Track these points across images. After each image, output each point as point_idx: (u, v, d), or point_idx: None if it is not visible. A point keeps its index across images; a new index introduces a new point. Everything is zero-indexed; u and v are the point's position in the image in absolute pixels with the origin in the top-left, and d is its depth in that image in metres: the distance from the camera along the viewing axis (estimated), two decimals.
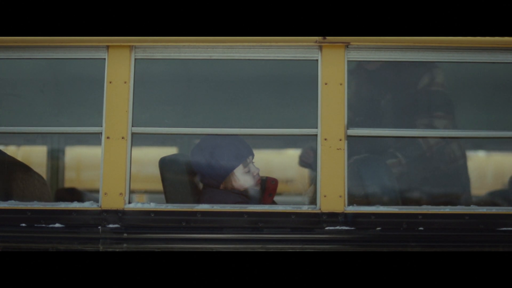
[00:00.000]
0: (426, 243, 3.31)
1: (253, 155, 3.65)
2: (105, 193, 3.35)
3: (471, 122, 4.63)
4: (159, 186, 3.68)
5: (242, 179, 3.61)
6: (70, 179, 6.49)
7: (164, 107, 4.71)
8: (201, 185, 3.68)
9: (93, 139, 3.56)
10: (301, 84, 3.71)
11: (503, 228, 3.33)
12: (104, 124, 3.39)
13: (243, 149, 3.62)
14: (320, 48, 3.40)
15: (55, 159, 6.14)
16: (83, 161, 6.59)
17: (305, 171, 4.60)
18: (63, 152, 6.25)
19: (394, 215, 3.35)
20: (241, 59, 3.47)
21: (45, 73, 4.75)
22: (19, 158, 4.84)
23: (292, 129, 3.58)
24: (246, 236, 3.32)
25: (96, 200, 3.40)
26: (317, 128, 3.37)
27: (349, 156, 3.42)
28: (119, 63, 3.41)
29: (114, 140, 3.38)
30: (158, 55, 3.46)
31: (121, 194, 3.35)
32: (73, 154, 6.51)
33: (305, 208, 3.35)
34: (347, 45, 3.40)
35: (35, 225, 3.35)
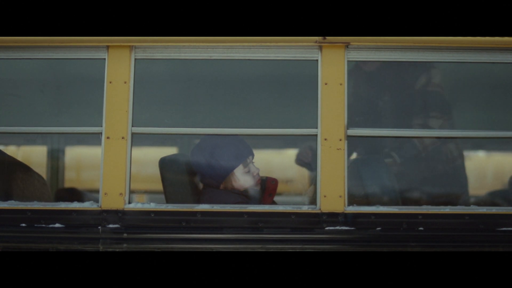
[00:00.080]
0: (426, 243, 3.31)
1: (253, 155, 3.65)
2: (105, 193, 3.35)
3: (471, 122, 4.63)
4: (159, 186, 3.68)
5: (242, 179, 3.61)
6: (70, 179, 6.49)
7: (164, 107, 4.71)
8: (201, 185, 3.68)
9: (93, 139, 3.56)
10: (301, 84, 3.71)
11: (503, 228, 3.33)
12: (104, 124, 3.39)
13: (243, 149, 3.62)
14: (320, 48, 3.40)
15: (55, 159, 6.14)
16: (83, 161, 6.59)
17: (305, 171, 4.60)
18: (63, 152, 6.26)
19: (394, 215, 3.35)
20: (241, 59, 3.47)
21: (45, 73, 4.75)
22: (19, 158, 4.84)
23: (292, 129, 3.58)
24: (246, 236, 3.32)
25: (96, 200, 3.40)
26: (317, 128, 3.37)
27: (349, 156, 3.42)
28: (119, 63, 3.41)
29: (114, 140, 3.38)
30: (158, 55, 3.46)
31: (121, 194, 3.35)
32: (73, 154, 6.51)
33: (305, 208, 3.35)
34: (347, 45, 3.40)
35: (35, 225, 3.35)
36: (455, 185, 4.32)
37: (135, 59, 3.43)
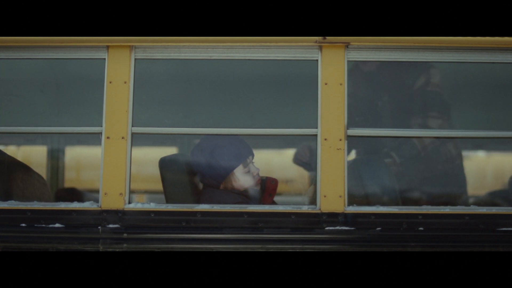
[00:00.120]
0: (426, 243, 3.31)
1: (253, 155, 3.65)
2: (105, 193, 3.35)
3: (471, 122, 4.63)
4: (159, 186, 3.68)
5: (242, 179, 3.61)
6: (70, 179, 6.49)
7: (164, 107, 4.71)
8: (201, 185, 3.68)
9: (93, 139, 3.56)
10: (301, 84, 3.71)
11: (503, 228, 3.33)
12: (104, 124, 3.39)
13: (243, 149, 3.62)
14: (320, 48, 3.40)
15: (55, 159, 6.14)
16: (83, 161, 6.59)
17: (305, 171, 4.59)
18: (63, 152, 6.25)
19: (394, 215, 3.35)
20: (241, 59, 3.47)
21: (45, 73, 4.75)
22: (19, 158, 4.84)
23: (292, 129, 3.58)
24: (246, 236, 3.32)
25: (96, 200, 3.40)
26: (317, 128, 3.37)
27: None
28: (119, 63, 3.41)
29: (114, 140, 3.38)
30: (158, 55, 3.46)
31: (121, 194, 3.35)
32: (73, 154, 6.51)
33: (305, 208, 3.35)
34: (347, 45, 3.40)
35: (35, 225, 3.35)
36: (454, 185, 4.33)
37: (135, 59, 3.43)
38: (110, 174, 3.36)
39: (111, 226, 3.34)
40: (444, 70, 4.24)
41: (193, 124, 3.97)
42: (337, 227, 3.32)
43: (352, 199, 3.40)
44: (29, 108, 4.88)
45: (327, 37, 3.38)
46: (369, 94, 4.25)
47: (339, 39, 3.39)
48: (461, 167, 4.34)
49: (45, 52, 3.47)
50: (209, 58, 3.46)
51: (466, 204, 4.20)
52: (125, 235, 3.33)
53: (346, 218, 3.32)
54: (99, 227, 3.34)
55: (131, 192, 3.40)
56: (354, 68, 4.20)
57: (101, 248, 3.32)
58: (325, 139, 3.36)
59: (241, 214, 3.34)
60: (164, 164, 3.66)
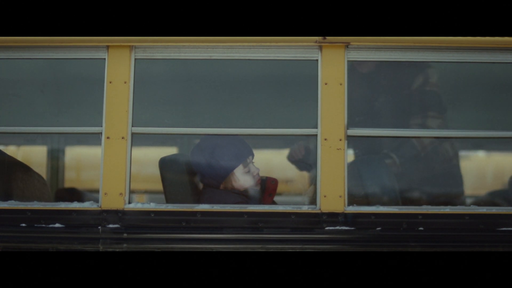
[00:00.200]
0: (426, 243, 3.31)
1: (253, 155, 3.65)
2: (105, 193, 3.35)
3: (471, 122, 4.63)
4: (159, 186, 3.68)
5: (242, 179, 3.61)
6: (70, 179, 6.49)
7: (164, 107, 4.71)
8: (201, 185, 3.68)
9: (93, 139, 3.56)
10: (301, 84, 3.71)
11: (503, 228, 3.33)
12: (104, 124, 3.39)
13: (243, 149, 3.62)
14: (320, 48, 3.40)
15: (55, 159, 6.14)
16: (83, 161, 6.59)
17: (300, 169, 4.58)
18: (63, 152, 6.26)
19: (394, 215, 3.35)
20: (241, 59, 3.47)
21: (45, 73, 4.75)
22: (19, 158, 4.84)
23: (292, 129, 3.58)
24: (246, 236, 3.32)
25: (96, 200, 3.40)
26: (317, 128, 3.37)
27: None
28: (119, 63, 3.41)
29: (114, 140, 3.38)
30: (158, 55, 3.46)
31: (121, 194, 3.35)
32: (73, 154, 6.51)
33: (305, 208, 3.35)
34: (347, 45, 3.40)
35: (35, 225, 3.35)
36: (451, 185, 4.32)
37: (135, 59, 3.43)
38: (110, 174, 3.36)
39: (111, 226, 3.34)
40: (444, 70, 4.24)
41: (193, 124, 3.97)
42: (337, 227, 3.32)
43: (352, 199, 3.40)
44: (29, 108, 4.88)
45: (327, 37, 3.38)
46: (367, 95, 4.24)
47: (339, 39, 3.39)
48: (458, 167, 4.35)
49: (45, 52, 3.47)
50: (209, 58, 3.46)
51: (464, 202, 4.20)
52: (125, 235, 3.33)
53: (346, 218, 3.32)
54: (99, 227, 3.34)
55: (131, 192, 3.40)
56: (351, 69, 4.20)
57: (101, 248, 3.32)
58: (325, 139, 3.36)
59: (241, 214, 3.34)
60: (164, 164, 3.66)
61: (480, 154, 6.45)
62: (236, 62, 3.58)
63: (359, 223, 3.32)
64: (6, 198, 3.55)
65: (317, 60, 3.40)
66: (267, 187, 3.66)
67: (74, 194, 5.63)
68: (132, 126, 3.40)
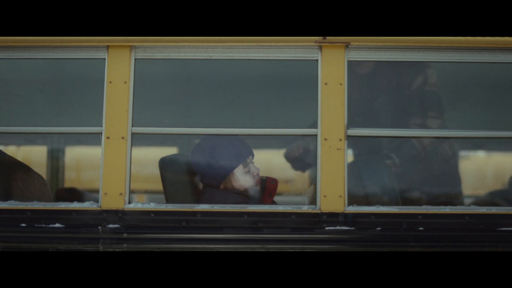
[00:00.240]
0: (426, 243, 3.31)
1: (253, 155, 3.65)
2: (105, 193, 3.35)
3: (471, 122, 4.63)
4: (159, 186, 3.68)
5: (242, 179, 3.61)
6: (70, 179, 6.49)
7: (164, 107, 4.71)
8: (201, 185, 3.68)
9: (93, 139, 3.56)
10: (301, 84, 3.71)
11: (503, 228, 3.33)
12: (104, 124, 3.39)
13: (243, 149, 3.62)
14: (320, 48, 3.40)
15: (55, 159, 6.14)
16: (83, 161, 6.59)
17: (296, 168, 4.58)
18: (63, 152, 6.25)
19: (394, 215, 3.35)
20: (241, 59, 3.47)
21: (45, 73, 4.75)
22: (19, 158, 4.84)
23: (292, 129, 3.58)
24: (246, 236, 3.32)
25: (96, 200, 3.40)
26: (317, 128, 3.37)
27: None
28: (119, 63, 3.41)
29: (114, 140, 3.38)
30: (158, 55, 3.46)
31: (121, 194, 3.35)
32: (73, 154, 6.51)
33: (305, 208, 3.35)
34: (347, 45, 3.40)
35: (35, 225, 3.35)
36: (451, 185, 4.32)
37: (135, 59, 3.43)
38: (110, 174, 3.36)
39: (111, 226, 3.34)
40: (444, 70, 4.23)
41: (193, 124, 3.97)
42: (337, 227, 3.32)
43: (352, 199, 3.40)
44: (29, 108, 4.88)
45: (327, 37, 3.38)
46: (367, 95, 4.24)
47: (339, 39, 3.39)
48: (456, 167, 4.35)
49: (45, 52, 3.47)
50: (209, 58, 3.46)
51: (464, 202, 4.20)
52: (125, 235, 3.33)
53: (346, 218, 3.32)
54: (99, 227, 3.34)
55: (131, 192, 3.40)
56: (349, 70, 4.20)
57: (101, 248, 3.32)
58: (325, 139, 3.36)
59: (241, 214, 3.34)
60: (164, 164, 3.66)
61: (480, 154, 6.45)
62: (236, 62, 3.58)
63: (359, 223, 3.32)
64: (6, 198, 3.55)
65: (317, 60, 3.40)
66: (267, 187, 3.66)
67: (74, 194, 5.63)
68: (132, 126, 3.40)
